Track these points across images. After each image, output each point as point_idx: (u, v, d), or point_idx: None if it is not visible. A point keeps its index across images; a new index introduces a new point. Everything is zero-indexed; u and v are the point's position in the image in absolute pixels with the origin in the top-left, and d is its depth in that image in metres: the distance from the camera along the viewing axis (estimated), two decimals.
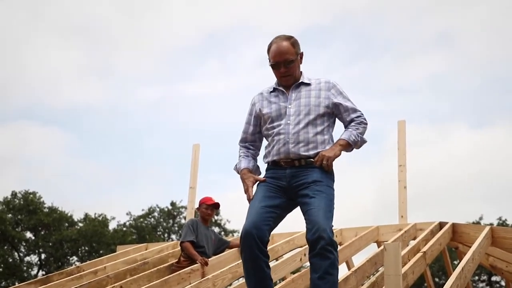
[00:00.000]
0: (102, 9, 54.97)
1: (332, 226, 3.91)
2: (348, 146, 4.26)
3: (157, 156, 55.85)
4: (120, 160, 56.35)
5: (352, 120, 4.33)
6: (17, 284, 8.38)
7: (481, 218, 34.33)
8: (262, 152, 4.62)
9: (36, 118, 55.56)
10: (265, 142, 4.61)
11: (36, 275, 29.28)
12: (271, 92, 4.41)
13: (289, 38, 4.26)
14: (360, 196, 48.65)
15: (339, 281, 6.22)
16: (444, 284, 5.75)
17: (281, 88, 4.35)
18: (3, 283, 27.73)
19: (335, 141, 4.33)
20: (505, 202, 46.79)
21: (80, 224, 32.02)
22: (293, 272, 7.69)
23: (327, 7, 58.29)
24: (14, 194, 32.36)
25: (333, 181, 4.21)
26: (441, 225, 8.74)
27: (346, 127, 4.37)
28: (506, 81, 54.20)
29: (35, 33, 54.91)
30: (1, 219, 30.50)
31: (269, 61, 4.28)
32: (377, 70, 56.46)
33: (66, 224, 31.91)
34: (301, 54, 4.35)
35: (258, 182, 4.28)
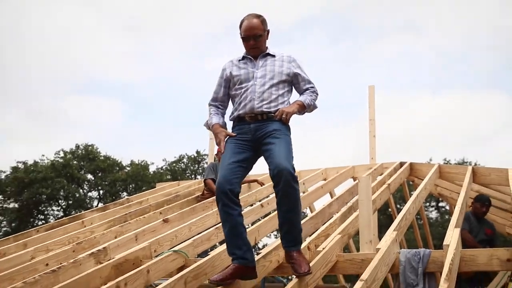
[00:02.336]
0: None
1: (293, 164, 3.67)
2: (303, 107, 4.01)
3: (186, 116, 55.62)
4: (158, 119, 56.33)
5: (307, 89, 4.09)
6: (83, 212, 8.49)
7: (431, 159, 34.36)
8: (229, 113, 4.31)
9: (95, 91, 55.27)
10: (231, 105, 4.31)
11: (97, 206, 29.56)
12: (240, 60, 4.10)
13: (259, 16, 4.01)
14: (343, 146, 48.65)
15: (324, 207, 6.33)
16: (403, 208, 5.82)
17: (249, 57, 4.07)
18: (73, 212, 27.99)
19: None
20: (450, 147, 46.90)
21: (128, 168, 32.15)
22: None
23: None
24: (77, 146, 32.50)
25: (290, 131, 3.94)
26: (401, 164, 8.80)
27: (301, 94, 4.12)
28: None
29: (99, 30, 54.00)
30: (69, 165, 30.82)
31: (241, 34, 4.00)
32: (355, 48, 55.78)
33: (117, 168, 32.06)
34: (268, 31, 4.10)
35: (228, 136, 3.95)
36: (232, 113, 4.03)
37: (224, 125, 4.08)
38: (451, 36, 53.87)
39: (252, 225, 6.00)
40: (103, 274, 4.27)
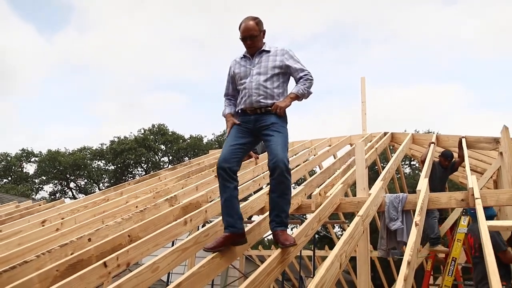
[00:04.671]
0: None
1: (287, 156, 3.15)
2: (297, 97, 3.40)
3: None
4: (209, 106, 56.56)
5: (300, 78, 3.44)
6: (158, 171, 8.64)
7: (405, 130, 33.68)
8: None
9: (164, 86, 55.77)
10: None
11: (167, 167, 30.03)
12: (241, 58, 3.54)
13: (255, 18, 3.43)
14: (342, 121, 48.11)
15: (329, 165, 6.29)
16: (386, 165, 5.76)
17: (248, 55, 3.50)
18: (151, 171, 28.46)
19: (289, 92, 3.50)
20: (418, 121, 46.13)
21: (188, 140, 32.41)
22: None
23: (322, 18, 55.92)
24: (153, 125, 32.84)
25: (286, 123, 3.40)
26: (385, 133, 8.68)
27: (296, 82, 3.48)
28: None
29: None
30: (147, 138, 31.21)
31: (240, 35, 3.43)
32: (352, 50, 54.65)
33: (181, 140, 32.34)
34: (264, 31, 3.50)
35: (234, 124, 3.45)
36: (238, 104, 3.52)
37: (235, 114, 3.54)
38: (421, 41, 52.20)
39: None
40: (175, 213, 4.35)
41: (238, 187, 3.24)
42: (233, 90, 3.62)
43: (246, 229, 3.26)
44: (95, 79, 50.94)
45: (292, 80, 3.52)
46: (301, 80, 3.44)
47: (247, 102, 3.36)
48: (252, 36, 3.38)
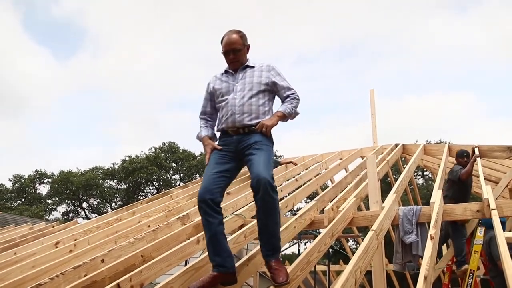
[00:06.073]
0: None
1: (272, 174, 2.77)
2: (284, 117, 3.07)
3: None
4: None
5: (287, 96, 3.12)
6: (170, 189, 8.65)
7: (417, 140, 33.47)
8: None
9: (174, 105, 56.30)
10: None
11: (179, 184, 30.09)
12: (222, 74, 3.21)
13: (238, 32, 3.13)
14: (354, 134, 47.93)
15: (341, 179, 6.25)
16: (398, 177, 5.70)
17: (230, 71, 3.16)
18: (163, 189, 28.54)
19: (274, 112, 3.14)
20: (420, 132, 45.98)
21: (199, 157, 32.50)
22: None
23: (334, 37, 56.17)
24: (164, 143, 33.06)
25: (272, 142, 3.04)
26: (396, 145, 8.63)
27: (282, 102, 3.15)
28: None
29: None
30: (158, 156, 31.41)
31: (222, 49, 3.12)
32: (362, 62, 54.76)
33: (192, 158, 32.44)
34: (248, 46, 3.19)
35: (214, 149, 3.08)
36: (218, 124, 3.17)
37: (213, 136, 3.22)
38: (430, 52, 52.15)
39: (289, 195, 5.97)
40: (187, 231, 4.34)
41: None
42: (212, 108, 3.27)
43: (237, 264, 2.94)
44: (109, 100, 51.96)
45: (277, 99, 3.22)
46: (288, 99, 3.13)
47: (229, 121, 3.01)
48: (235, 50, 3.09)
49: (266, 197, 2.67)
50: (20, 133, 49.47)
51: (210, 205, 2.74)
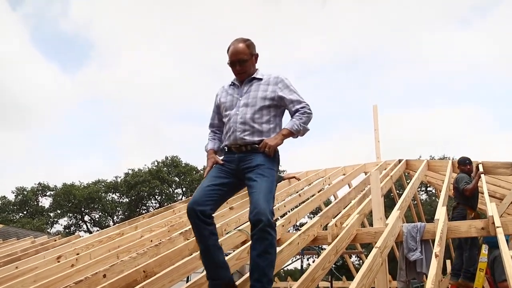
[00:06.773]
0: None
1: (273, 207, 2.59)
2: (291, 134, 2.84)
3: None
4: None
5: (297, 111, 2.87)
6: (172, 203, 8.62)
7: (420, 156, 33.43)
8: None
9: (177, 119, 56.58)
10: None
11: (181, 199, 30.02)
12: (230, 85, 3.02)
13: (245, 40, 2.91)
14: (357, 150, 47.82)
15: (345, 195, 6.22)
16: (403, 193, 5.68)
17: (237, 83, 2.98)
18: (165, 203, 28.50)
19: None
20: (433, 147, 45.72)
21: (201, 171, 32.46)
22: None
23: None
24: (166, 158, 33.09)
25: (277, 163, 2.84)
26: (399, 161, 8.60)
27: (292, 116, 2.90)
28: None
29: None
30: (161, 170, 31.41)
31: (228, 60, 2.91)
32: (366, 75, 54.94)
33: (194, 172, 32.41)
34: (256, 55, 2.97)
35: (217, 163, 2.91)
36: (223, 141, 3.01)
37: (218, 150, 3.04)
38: (435, 65, 52.31)
39: (292, 210, 5.94)
40: (190, 247, 4.30)
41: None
42: (219, 121, 3.11)
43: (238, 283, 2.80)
44: (114, 112, 52.10)
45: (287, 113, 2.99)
46: (297, 114, 2.89)
47: (231, 138, 2.84)
48: (242, 61, 2.87)
49: (262, 234, 2.46)
50: (24, 145, 49.75)
51: (199, 217, 2.60)
